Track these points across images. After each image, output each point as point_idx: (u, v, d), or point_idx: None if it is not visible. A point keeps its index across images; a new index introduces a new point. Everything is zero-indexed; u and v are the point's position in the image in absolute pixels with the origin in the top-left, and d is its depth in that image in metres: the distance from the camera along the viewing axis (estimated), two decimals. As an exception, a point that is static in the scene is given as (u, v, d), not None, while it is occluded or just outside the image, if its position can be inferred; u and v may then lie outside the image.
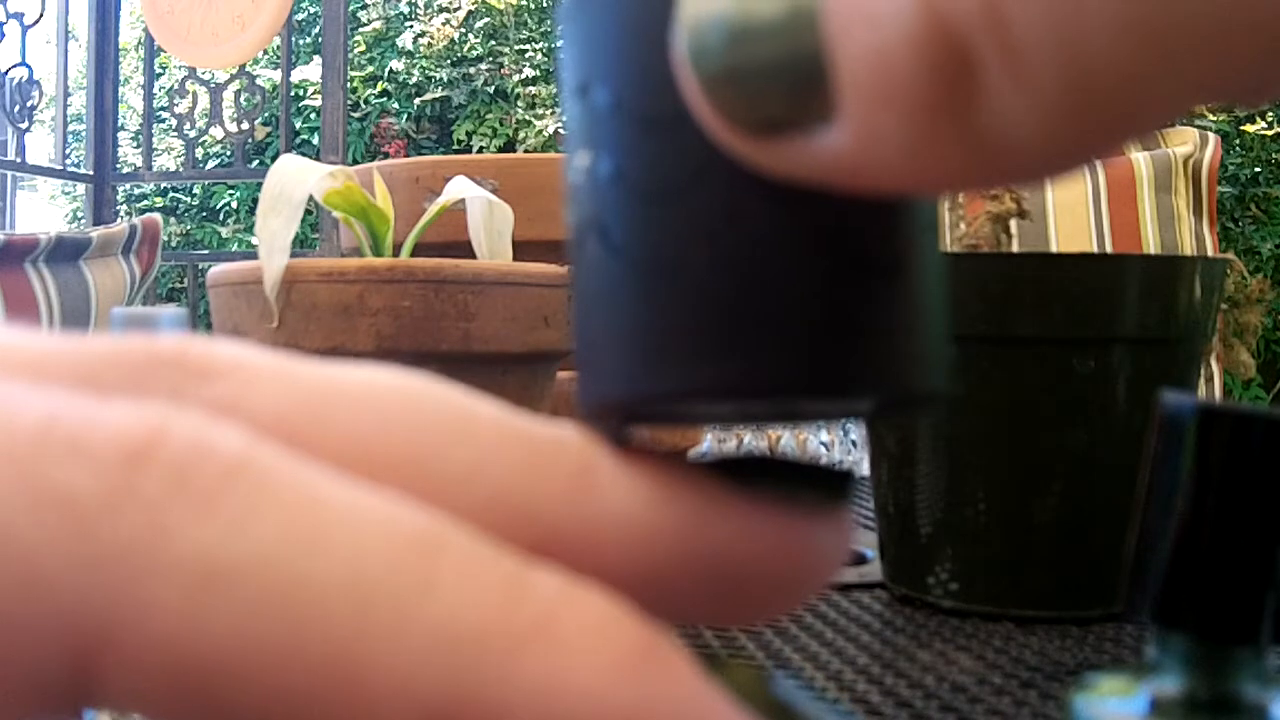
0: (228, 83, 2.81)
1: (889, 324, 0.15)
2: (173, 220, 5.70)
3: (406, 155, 5.28)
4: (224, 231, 5.67)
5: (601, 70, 0.15)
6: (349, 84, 3.07)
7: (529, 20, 5.71)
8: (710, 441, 0.87)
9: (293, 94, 3.24)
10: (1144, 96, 0.12)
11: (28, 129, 2.66)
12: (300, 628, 0.12)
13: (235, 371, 0.14)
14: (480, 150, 5.36)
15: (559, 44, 0.16)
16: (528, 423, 0.15)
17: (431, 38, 5.70)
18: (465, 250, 0.65)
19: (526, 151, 5.21)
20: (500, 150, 5.37)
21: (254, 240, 1.57)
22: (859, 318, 0.14)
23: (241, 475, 0.12)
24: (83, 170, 2.89)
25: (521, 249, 0.69)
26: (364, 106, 5.66)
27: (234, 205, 5.71)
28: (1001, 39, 0.12)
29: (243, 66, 2.76)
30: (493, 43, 5.70)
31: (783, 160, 0.14)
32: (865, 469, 0.95)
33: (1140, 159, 1.86)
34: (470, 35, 5.72)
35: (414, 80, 5.69)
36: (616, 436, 0.15)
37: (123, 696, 0.12)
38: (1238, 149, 4.30)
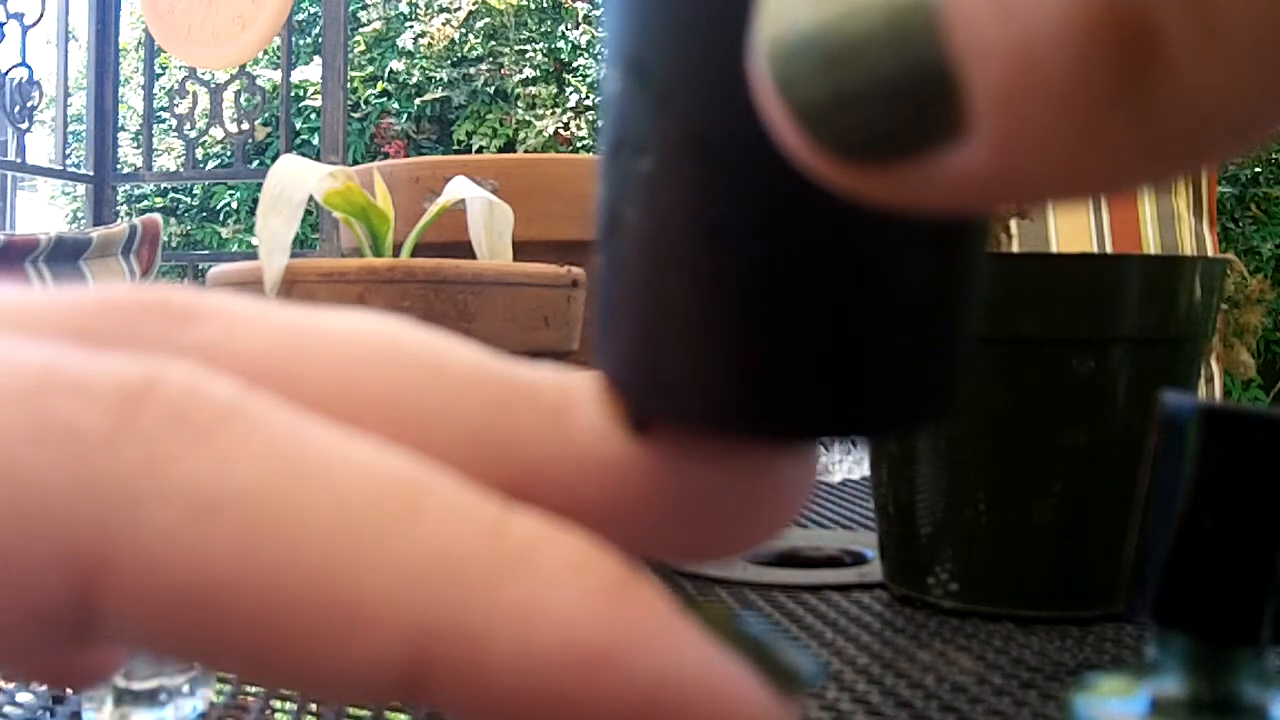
0: (228, 83, 2.81)
1: (919, 362, 0.14)
2: (173, 220, 5.71)
3: (406, 155, 5.28)
4: (224, 232, 5.67)
5: (641, 46, 0.14)
6: (349, 84, 3.07)
7: (529, 20, 5.71)
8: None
9: (293, 94, 3.24)
10: None
11: (28, 129, 2.65)
12: (290, 551, 0.12)
13: (219, 316, 0.15)
14: (480, 150, 5.36)
15: (601, 8, 0.15)
16: (504, 363, 0.15)
17: (431, 38, 5.70)
18: (465, 250, 0.65)
19: (526, 151, 5.21)
20: (500, 150, 5.37)
21: (254, 240, 1.57)
22: (891, 354, 0.14)
23: (235, 416, 0.13)
24: (83, 170, 2.89)
25: (521, 249, 0.69)
26: (364, 106, 5.66)
27: (234, 205, 5.71)
28: (1194, 2, 0.10)
29: (243, 66, 2.76)
30: (493, 43, 5.70)
31: (897, 189, 0.12)
32: (865, 469, 0.95)
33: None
34: (470, 35, 5.72)
35: (414, 80, 5.70)
36: (634, 419, 0.15)
37: (121, 623, 0.13)
38: (1238, 149, 4.29)
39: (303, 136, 4.99)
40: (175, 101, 2.88)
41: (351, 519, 0.13)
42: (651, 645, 0.12)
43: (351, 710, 0.44)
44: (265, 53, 4.12)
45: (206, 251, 4.96)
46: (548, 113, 5.50)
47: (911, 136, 0.11)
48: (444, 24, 5.72)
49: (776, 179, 0.13)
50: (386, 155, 5.43)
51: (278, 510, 0.12)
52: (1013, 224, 0.64)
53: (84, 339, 0.14)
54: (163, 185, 5.44)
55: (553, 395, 0.15)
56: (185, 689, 0.40)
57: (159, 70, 3.54)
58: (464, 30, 5.71)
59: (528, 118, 5.51)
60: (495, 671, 0.12)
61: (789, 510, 0.16)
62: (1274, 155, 4.32)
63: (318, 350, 0.15)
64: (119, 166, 2.99)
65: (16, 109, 2.61)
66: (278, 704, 0.44)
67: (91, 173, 2.84)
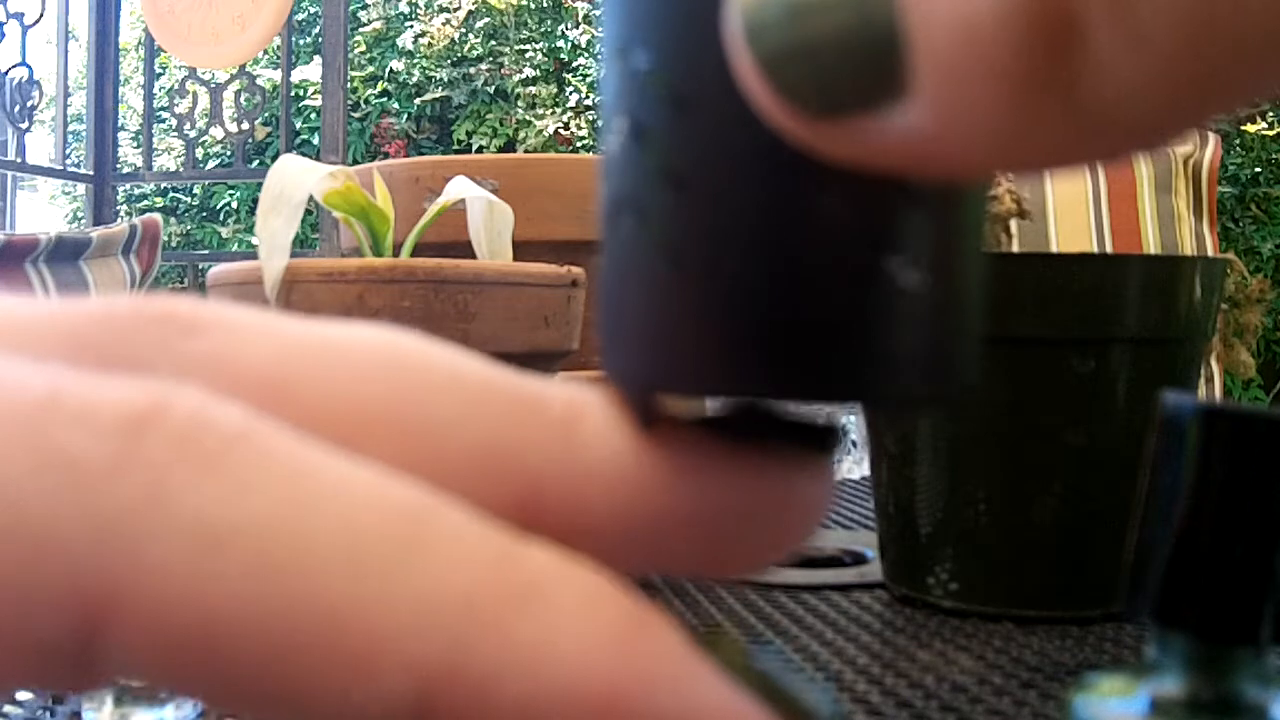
0: (228, 83, 2.81)
1: (925, 329, 0.14)
2: (173, 220, 5.71)
3: (406, 155, 5.28)
4: (224, 231, 5.67)
5: (642, 33, 0.14)
6: (349, 84, 3.07)
7: (529, 20, 5.71)
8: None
9: (293, 94, 3.24)
10: (1275, 48, 0.11)
11: (28, 129, 2.66)
12: (296, 590, 0.12)
13: (222, 327, 0.15)
14: (480, 150, 5.36)
15: (601, 2, 0.15)
16: (513, 376, 0.15)
17: (431, 38, 5.70)
18: (465, 250, 0.65)
19: (526, 151, 5.21)
20: (500, 150, 5.37)
21: (254, 240, 1.57)
22: (893, 323, 0.14)
23: (240, 444, 0.13)
24: (83, 170, 2.89)
25: (521, 249, 0.69)
26: (364, 106, 5.66)
27: (234, 205, 5.71)
28: None
29: (243, 66, 2.76)
30: (493, 43, 5.70)
31: (847, 145, 0.12)
32: (865, 469, 0.95)
33: (1140, 159, 1.86)
34: (470, 35, 5.72)
35: (414, 80, 5.70)
36: (643, 411, 0.15)
37: (125, 660, 0.12)
38: (1238, 149, 4.30)
39: (303, 136, 4.99)
40: (175, 101, 2.88)
41: (360, 553, 0.12)
42: (667, 686, 0.12)
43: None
44: (265, 53, 4.12)
45: (206, 251, 4.96)
46: (548, 113, 5.50)
47: (861, 93, 0.12)
48: (444, 24, 5.71)
49: (779, 158, 0.13)
50: (386, 155, 5.43)
51: (285, 544, 0.12)
52: (1013, 224, 0.64)
53: (86, 353, 0.14)
54: (163, 185, 5.44)
55: (562, 408, 0.15)
56: (185, 689, 0.40)
57: (159, 70, 3.54)
58: (464, 30, 5.71)
59: (528, 118, 5.51)
60: (505, 713, 0.12)
61: (804, 526, 0.15)
62: (1274, 155, 4.32)
63: (325, 362, 0.14)
64: (119, 166, 2.98)
65: (16, 109, 2.61)
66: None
67: (91, 172, 2.83)
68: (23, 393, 0.13)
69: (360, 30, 5.69)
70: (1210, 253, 1.86)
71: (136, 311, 0.15)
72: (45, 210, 6.35)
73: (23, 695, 0.44)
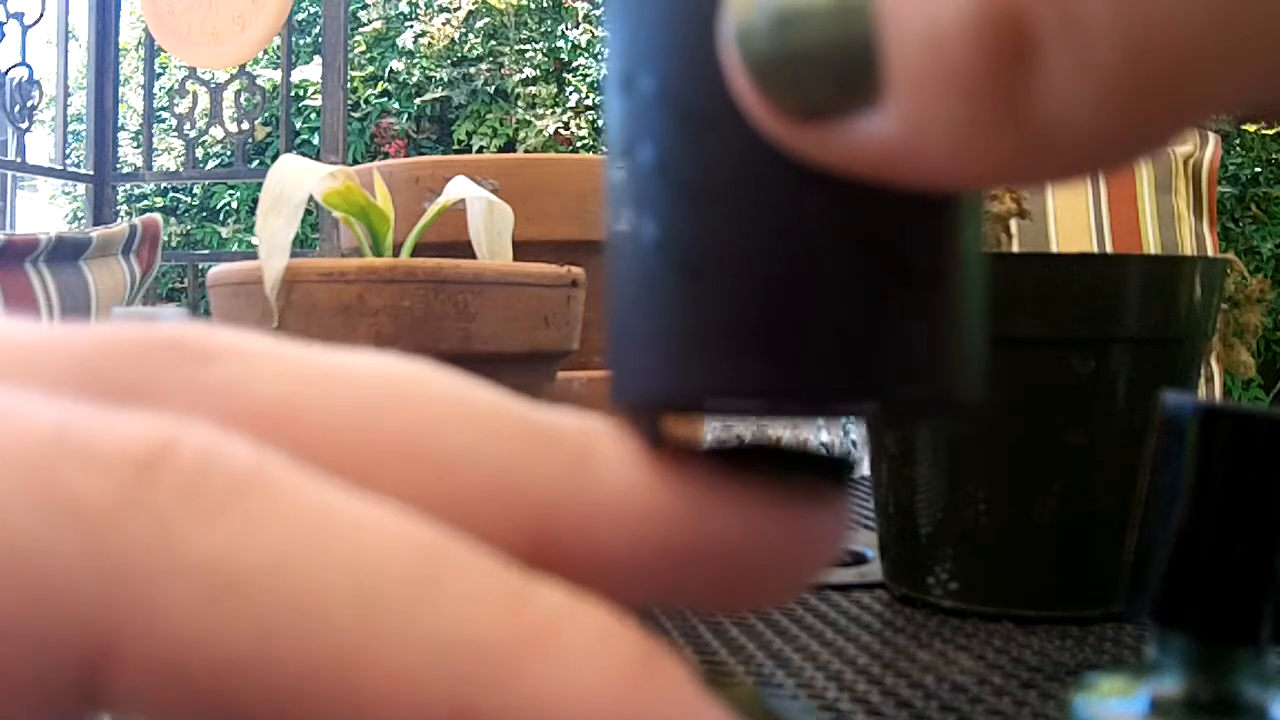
0: (228, 83, 2.81)
1: (928, 332, 0.14)
2: (173, 220, 5.71)
3: (406, 155, 5.28)
4: (224, 231, 5.67)
5: (647, 58, 0.15)
6: (349, 84, 3.07)
7: (529, 20, 5.71)
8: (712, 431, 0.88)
9: (293, 94, 3.24)
10: (1214, 80, 0.11)
11: (28, 129, 2.66)
12: (307, 634, 0.12)
13: (233, 356, 0.14)
14: (480, 150, 5.36)
15: (605, 34, 0.15)
16: (526, 407, 0.15)
17: (431, 38, 5.70)
18: (465, 250, 0.65)
19: (526, 151, 5.21)
20: (500, 150, 5.37)
21: (254, 240, 1.57)
22: (898, 324, 0.14)
23: (250, 485, 0.12)
24: (83, 170, 2.89)
25: (521, 249, 0.69)
26: (364, 106, 5.66)
27: (234, 205, 5.71)
28: (1067, 16, 0.11)
29: (243, 66, 2.76)
30: (493, 43, 5.70)
31: (827, 149, 0.13)
32: (865, 469, 0.95)
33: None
34: (470, 35, 5.72)
35: (414, 80, 5.70)
36: (650, 432, 0.15)
37: (130, 702, 0.12)
38: (1238, 149, 4.30)
39: (303, 136, 4.99)
40: (175, 101, 2.88)
41: (371, 594, 0.12)
42: None
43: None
44: (265, 52, 4.11)
45: (206, 251, 4.96)
46: (548, 113, 5.51)
47: (840, 100, 0.13)
48: (444, 24, 5.72)
49: (788, 167, 0.14)
50: (386, 155, 5.43)
51: (293, 589, 0.12)
52: (1013, 224, 0.64)
53: (95, 383, 0.14)
54: (163, 185, 5.45)
55: (574, 440, 0.15)
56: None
57: (159, 70, 3.54)
58: (464, 30, 5.71)
59: (528, 118, 5.51)
60: None
61: (818, 559, 0.15)
62: (1274, 155, 4.32)
63: (336, 392, 0.14)
64: (119, 166, 2.98)
65: (16, 109, 2.61)
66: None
67: (91, 172, 2.83)
68: (29, 428, 0.12)
69: (360, 30, 5.69)
70: (1210, 253, 1.86)
71: (146, 339, 0.14)
72: (45, 210, 6.35)
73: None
